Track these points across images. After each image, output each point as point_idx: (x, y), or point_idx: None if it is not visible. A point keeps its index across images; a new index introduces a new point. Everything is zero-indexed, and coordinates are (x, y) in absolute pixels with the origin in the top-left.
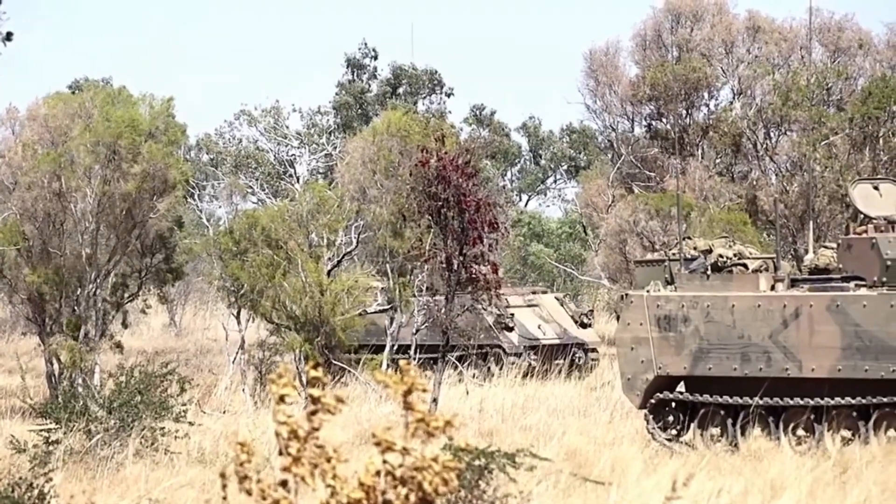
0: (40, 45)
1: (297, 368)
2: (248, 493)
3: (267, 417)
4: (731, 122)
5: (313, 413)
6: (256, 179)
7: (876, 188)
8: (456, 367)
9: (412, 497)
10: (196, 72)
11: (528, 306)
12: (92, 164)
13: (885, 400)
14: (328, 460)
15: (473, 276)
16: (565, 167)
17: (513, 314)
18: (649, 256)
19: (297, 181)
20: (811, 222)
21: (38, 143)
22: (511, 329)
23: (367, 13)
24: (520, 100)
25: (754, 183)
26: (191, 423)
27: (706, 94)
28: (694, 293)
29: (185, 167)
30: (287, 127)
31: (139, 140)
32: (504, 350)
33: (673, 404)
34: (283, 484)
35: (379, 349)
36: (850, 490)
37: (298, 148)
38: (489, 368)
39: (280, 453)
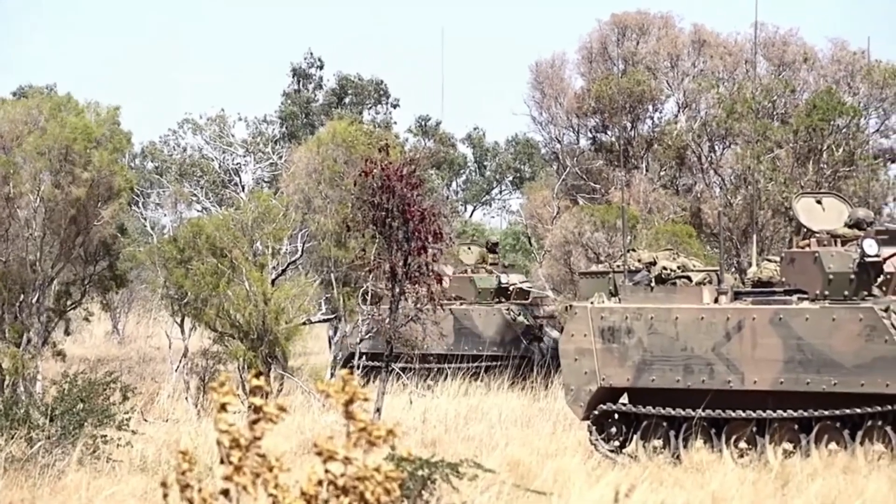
0: None
1: (241, 377)
2: (190, 501)
3: (209, 426)
4: (675, 135)
5: (255, 422)
6: (201, 188)
7: (819, 202)
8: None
9: None
10: (140, 79)
11: (551, 317)
12: (42, 170)
13: (826, 413)
14: (270, 469)
15: (417, 285)
16: (510, 178)
17: (541, 325)
18: (594, 268)
19: (243, 190)
20: (755, 235)
21: None
22: (541, 340)
23: (313, 22)
24: (465, 111)
25: (698, 196)
26: (133, 432)
27: (651, 107)
28: (638, 305)
29: (130, 175)
30: (232, 136)
31: (90, 146)
32: (534, 360)
33: (616, 416)
34: (225, 493)
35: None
36: (791, 502)
37: (244, 157)
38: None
39: (222, 462)
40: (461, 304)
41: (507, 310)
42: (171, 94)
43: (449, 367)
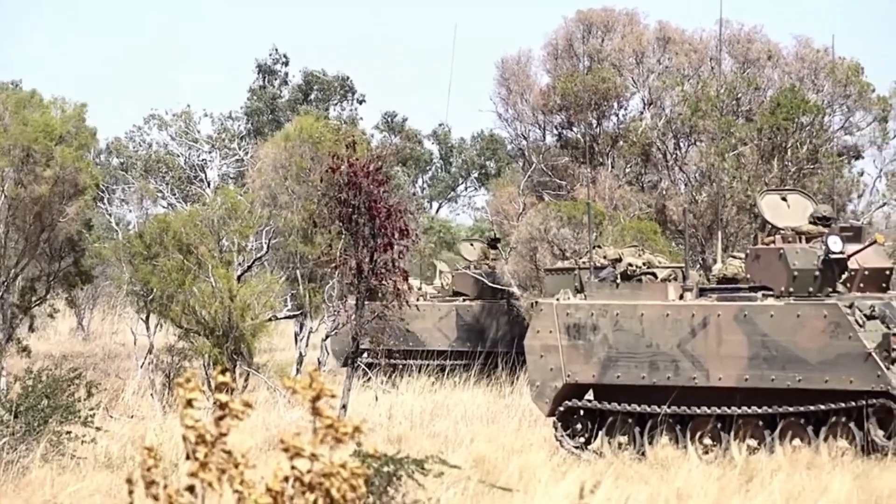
0: None
1: (206, 374)
2: (155, 498)
3: (175, 422)
4: (640, 132)
5: (221, 418)
6: (167, 184)
7: (784, 199)
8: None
9: (320, 503)
10: (106, 75)
11: None
12: (4, 168)
13: (790, 409)
14: (236, 466)
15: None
16: (476, 175)
17: None
18: (559, 265)
19: (208, 186)
20: (720, 232)
21: None
22: None
23: (279, 19)
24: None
25: (664, 192)
26: (98, 428)
27: (616, 104)
28: (603, 302)
29: (96, 171)
30: (198, 132)
31: (51, 144)
32: None
33: (581, 412)
34: (191, 489)
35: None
36: (755, 498)
37: (209, 153)
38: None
39: (187, 458)
40: (464, 300)
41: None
42: (137, 90)
43: (450, 364)
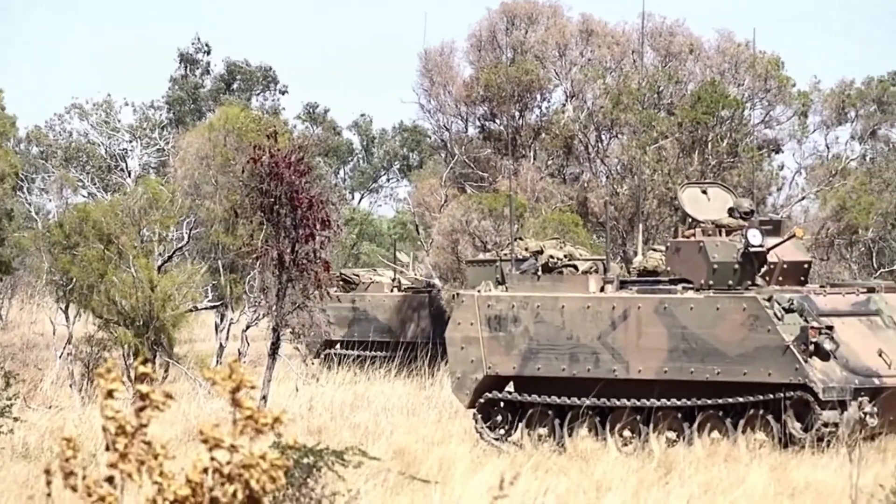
0: None
1: (126, 364)
2: (74, 489)
3: (94, 413)
4: (563, 124)
5: (141, 409)
6: (87, 173)
7: (704, 192)
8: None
9: (240, 494)
10: (25, 63)
11: None
12: None
13: (709, 402)
14: (155, 457)
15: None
16: (398, 166)
17: None
18: (481, 256)
19: (129, 176)
20: (640, 225)
21: None
22: None
23: (201, 7)
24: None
25: (585, 185)
26: (15, 419)
27: (539, 97)
28: (524, 293)
29: (15, 160)
30: (119, 121)
31: None
32: None
33: (501, 404)
34: (110, 480)
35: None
36: (674, 490)
37: (130, 142)
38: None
39: (107, 449)
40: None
41: None
42: (57, 77)
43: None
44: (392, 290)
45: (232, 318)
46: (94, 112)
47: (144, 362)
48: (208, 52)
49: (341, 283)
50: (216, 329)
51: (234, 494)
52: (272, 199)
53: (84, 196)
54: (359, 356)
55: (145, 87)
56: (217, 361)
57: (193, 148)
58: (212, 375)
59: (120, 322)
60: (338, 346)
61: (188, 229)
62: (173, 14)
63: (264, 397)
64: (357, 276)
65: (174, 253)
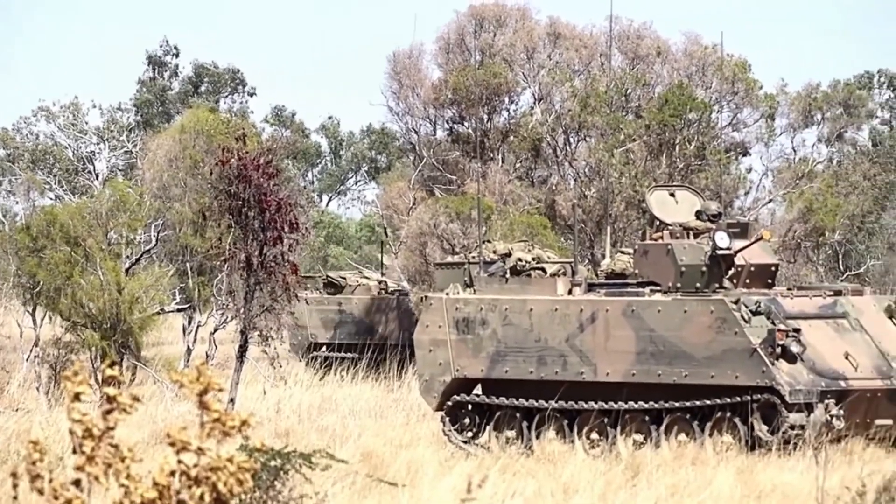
0: None
1: (93, 367)
2: (40, 492)
3: (61, 416)
4: (531, 127)
5: (108, 412)
6: (54, 175)
7: (672, 195)
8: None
9: (207, 497)
10: None
11: None
12: None
13: (676, 404)
14: (122, 460)
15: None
16: (366, 168)
17: None
18: (449, 259)
19: (97, 178)
20: (608, 227)
21: None
22: None
23: (169, 10)
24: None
25: (553, 187)
26: None
27: (507, 99)
28: (492, 296)
29: None
30: (86, 123)
31: None
32: None
33: (469, 406)
34: (77, 483)
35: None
36: (641, 493)
37: (98, 144)
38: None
39: (74, 452)
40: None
41: None
42: (23, 80)
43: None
44: (379, 293)
45: (200, 321)
46: (61, 114)
47: (111, 365)
48: (177, 55)
49: (327, 285)
50: (184, 332)
51: (202, 497)
52: (240, 202)
53: (51, 199)
54: (342, 358)
55: (113, 89)
56: (185, 364)
57: (162, 150)
58: (179, 378)
59: (87, 325)
60: (324, 348)
61: (156, 232)
62: (142, 16)
63: (232, 400)
64: (344, 278)
65: (142, 255)
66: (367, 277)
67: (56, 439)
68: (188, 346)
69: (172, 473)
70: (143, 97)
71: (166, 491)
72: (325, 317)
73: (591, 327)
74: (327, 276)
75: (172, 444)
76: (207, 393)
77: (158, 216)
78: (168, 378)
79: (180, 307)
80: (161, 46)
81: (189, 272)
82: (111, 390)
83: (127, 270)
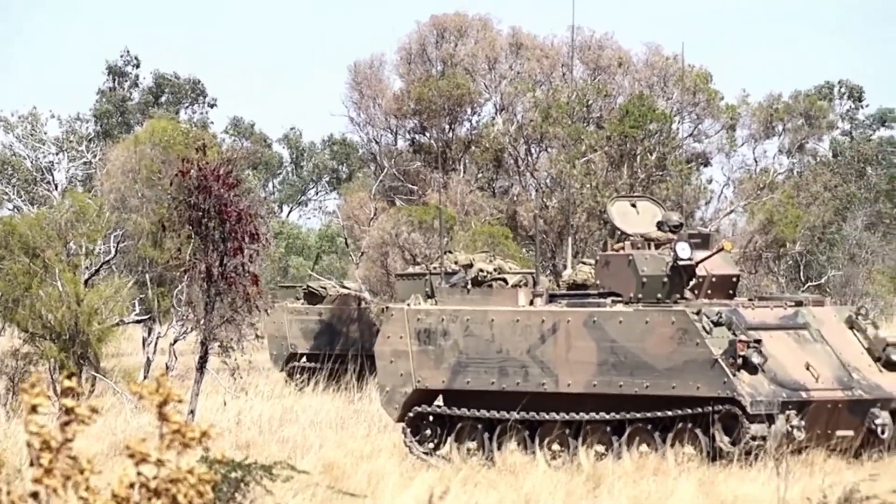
0: None
1: (52, 378)
2: None
3: (19, 428)
4: (492, 137)
5: (67, 423)
6: (13, 186)
7: (633, 205)
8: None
9: None
10: None
11: None
12: None
13: (638, 415)
14: (81, 472)
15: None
16: (327, 179)
17: None
18: (410, 270)
19: (56, 189)
20: (570, 238)
21: None
22: None
23: (129, 20)
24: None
25: (515, 198)
26: None
27: (469, 110)
28: (454, 307)
29: None
30: (45, 133)
31: None
32: None
33: (431, 418)
34: (35, 495)
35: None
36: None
37: (56, 155)
38: None
39: (32, 464)
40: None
41: None
42: None
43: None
44: (360, 304)
45: (159, 332)
46: (19, 124)
47: (70, 376)
48: (137, 65)
49: (308, 295)
50: (143, 343)
51: None
52: (200, 213)
53: (9, 209)
54: (321, 368)
55: (72, 99)
56: (144, 375)
57: (120, 161)
58: (139, 389)
59: (46, 336)
60: (303, 358)
61: (115, 243)
62: (101, 26)
63: (192, 411)
64: (324, 288)
65: (101, 266)
66: (347, 288)
67: (14, 451)
68: (148, 358)
69: (132, 485)
70: (103, 107)
71: (126, 503)
72: (305, 327)
73: (553, 338)
74: (308, 287)
75: (132, 456)
76: (167, 404)
77: (118, 227)
78: (128, 389)
79: (140, 318)
80: (122, 56)
81: (149, 283)
82: (69, 402)
83: (86, 282)
